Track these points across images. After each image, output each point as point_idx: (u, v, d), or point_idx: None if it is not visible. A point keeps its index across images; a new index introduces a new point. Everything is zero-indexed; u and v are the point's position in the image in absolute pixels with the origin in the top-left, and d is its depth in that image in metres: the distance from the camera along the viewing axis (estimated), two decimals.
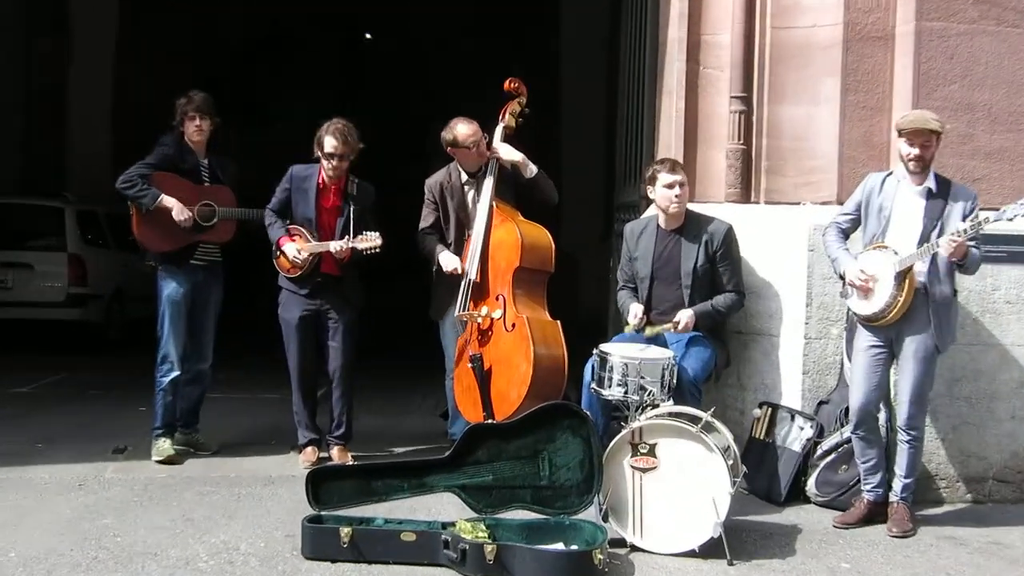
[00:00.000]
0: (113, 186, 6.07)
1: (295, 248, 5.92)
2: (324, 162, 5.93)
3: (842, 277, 5.15)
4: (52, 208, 11.10)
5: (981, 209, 4.97)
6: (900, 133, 5.07)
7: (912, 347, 5.01)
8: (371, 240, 5.82)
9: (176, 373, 6.12)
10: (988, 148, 5.96)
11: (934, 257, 4.93)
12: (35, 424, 6.96)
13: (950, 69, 5.90)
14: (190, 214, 6.00)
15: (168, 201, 5.96)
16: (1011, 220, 4.74)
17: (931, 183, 5.02)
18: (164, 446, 6.05)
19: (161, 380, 6.11)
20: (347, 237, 5.85)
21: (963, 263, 4.89)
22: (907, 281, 4.90)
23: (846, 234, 5.27)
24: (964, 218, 4.91)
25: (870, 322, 5.06)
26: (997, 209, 4.84)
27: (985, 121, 5.95)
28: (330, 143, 5.88)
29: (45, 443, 6.45)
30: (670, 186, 5.43)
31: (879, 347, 5.09)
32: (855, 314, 5.15)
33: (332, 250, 5.85)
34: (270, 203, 6.12)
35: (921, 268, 4.95)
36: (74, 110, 14.38)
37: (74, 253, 10.91)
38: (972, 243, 4.86)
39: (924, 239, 4.93)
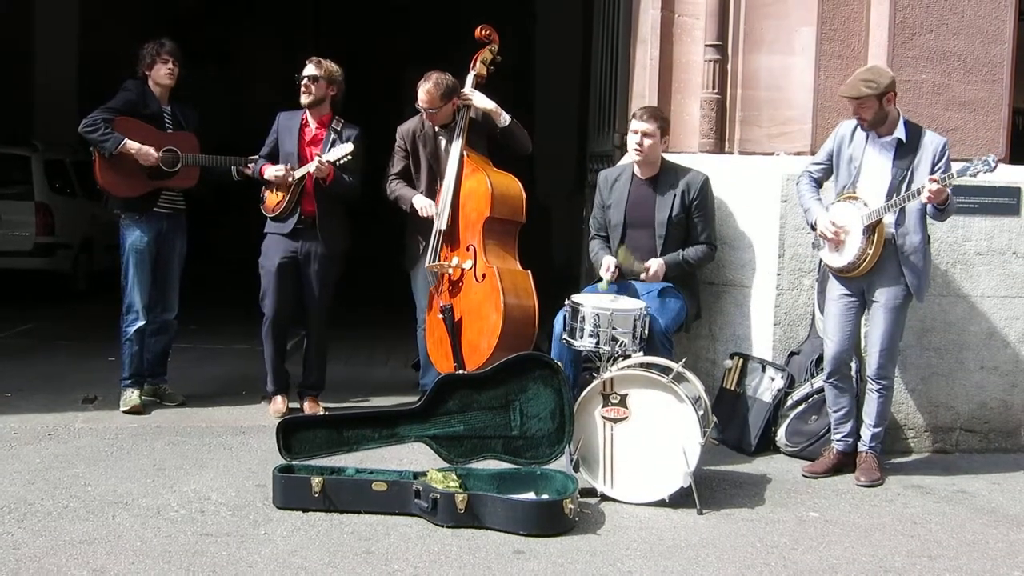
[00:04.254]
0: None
1: (275, 169, 5.90)
2: (301, 88, 5.93)
3: (814, 227, 5.15)
4: (19, 156, 10.92)
5: (952, 160, 4.97)
6: None
7: (883, 298, 5.03)
8: (342, 149, 5.80)
9: (142, 323, 6.08)
10: (963, 98, 5.96)
11: (903, 209, 4.93)
12: (3, 374, 6.89)
13: (926, 18, 5.87)
14: (156, 155, 5.93)
15: (132, 145, 5.88)
16: (973, 177, 4.76)
17: (900, 133, 5.00)
18: (131, 397, 6.02)
19: (127, 330, 6.08)
20: (317, 156, 5.84)
21: (944, 207, 4.88)
22: (876, 234, 4.91)
23: (819, 183, 5.26)
24: (933, 166, 4.90)
25: (842, 273, 5.07)
26: (969, 160, 4.84)
27: (960, 71, 5.94)
28: (307, 69, 5.96)
29: (14, 393, 6.40)
30: (635, 132, 5.41)
31: (850, 297, 5.12)
32: (827, 265, 5.16)
33: (311, 170, 5.81)
34: (260, 151, 6.14)
35: (890, 220, 4.96)
36: (40, 50, 14.12)
37: (41, 202, 10.75)
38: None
39: (893, 191, 4.93)
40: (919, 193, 4.78)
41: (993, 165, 4.66)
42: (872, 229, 4.90)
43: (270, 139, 6.12)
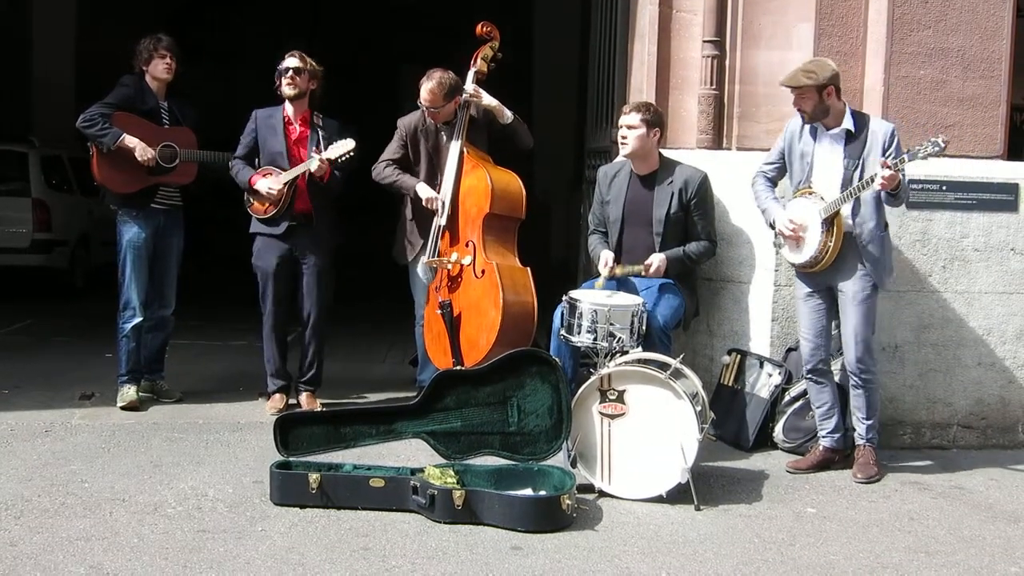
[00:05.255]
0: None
1: (267, 183, 5.86)
2: (283, 80, 5.89)
3: (773, 227, 5.15)
4: (16, 153, 10.91)
5: (952, 156, 4.96)
6: None
7: (850, 291, 5.04)
8: (343, 146, 5.78)
9: (138, 319, 6.07)
10: (961, 94, 5.95)
11: (857, 198, 4.93)
12: (0, 371, 6.88)
13: (924, 13, 5.87)
14: (152, 153, 5.93)
15: (130, 141, 5.88)
16: (924, 159, 4.72)
17: (848, 124, 5.00)
18: (128, 393, 6.01)
19: (123, 326, 6.07)
20: (317, 151, 5.81)
21: (896, 192, 4.86)
22: (835, 226, 4.92)
23: (773, 182, 5.28)
24: (884, 153, 4.90)
25: (805, 270, 5.09)
26: (968, 157, 4.84)
27: (958, 67, 5.94)
28: (288, 61, 5.92)
29: (11, 389, 6.39)
30: (619, 126, 5.42)
31: (817, 294, 5.14)
32: (790, 263, 5.17)
33: (312, 169, 5.79)
34: (236, 151, 6.07)
35: (846, 211, 4.96)
36: (38, 46, 14.11)
37: (39, 198, 10.75)
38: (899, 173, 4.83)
39: (847, 183, 4.93)
40: (872, 181, 4.78)
41: (942, 146, 4.63)
42: (831, 222, 4.91)
43: (247, 139, 6.04)
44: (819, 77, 4.90)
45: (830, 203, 4.89)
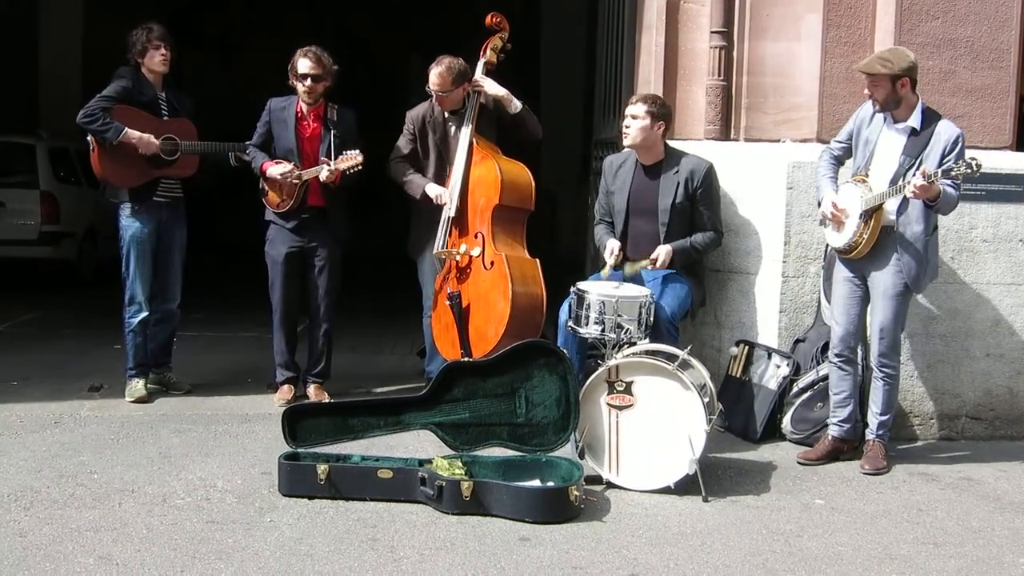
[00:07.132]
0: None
1: (280, 168, 5.84)
2: (299, 85, 5.88)
3: (820, 204, 5.15)
4: (24, 145, 10.94)
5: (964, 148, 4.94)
6: None
7: (881, 285, 5.02)
8: (352, 159, 5.77)
9: (144, 314, 6.06)
10: (970, 85, 5.93)
11: (907, 198, 4.89)
12: (9, 363, 6.91)
13: (933, 4, 5.85)
14: (157, 144, 5.91)
15: (133, 134, 5.84)
16: (956, 177, 4.71)
17: (915, 121, 4.95)
18: (136, 387, 6.02)
19: (130, 321, 6.06)
20: (326, 161, 5.80)
21: (934, 204, 4.86)
22: (874, 219, 4.89)
23: (839, 161, 5.24)
24: (943, 158, 4.86)
25: (842, 254, 5.08)
26: (977, 148, 4.82)
27: (967, 58, 5.91)
28: (304, 64, 5.87)
29: (20, 381, 6.41)
30: (624, 116, 5.42)
31: (855, 279, 5.12)
32: (830, 244, 5.18)
33: (322, 177, 5.78)
34: (252, 139, 6.07)
35: (892, 207, 4.93)
36: (44, 38, 14.12)
37: (46, 191, 10.78)
38: (948, 183, 4.81)
39: (898, 178, 4.90)
40: (907, 186, 4.75)
41: (975, 168, 4.61)
42: (870, 214, 4.89)
43: (261, 129, 6.03)
44: (895, 67, 4.86)
45: (874, 196, 4.86)
